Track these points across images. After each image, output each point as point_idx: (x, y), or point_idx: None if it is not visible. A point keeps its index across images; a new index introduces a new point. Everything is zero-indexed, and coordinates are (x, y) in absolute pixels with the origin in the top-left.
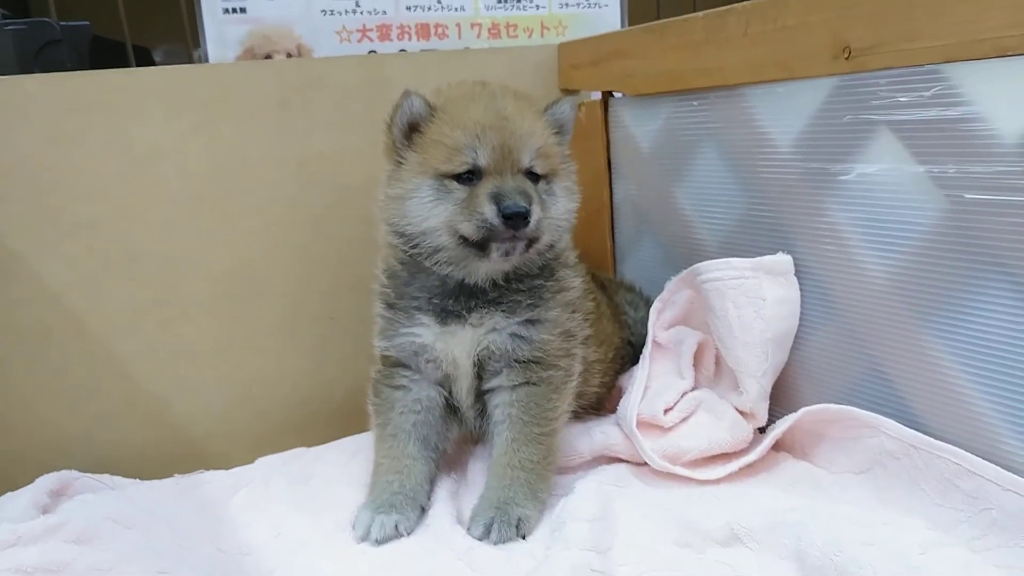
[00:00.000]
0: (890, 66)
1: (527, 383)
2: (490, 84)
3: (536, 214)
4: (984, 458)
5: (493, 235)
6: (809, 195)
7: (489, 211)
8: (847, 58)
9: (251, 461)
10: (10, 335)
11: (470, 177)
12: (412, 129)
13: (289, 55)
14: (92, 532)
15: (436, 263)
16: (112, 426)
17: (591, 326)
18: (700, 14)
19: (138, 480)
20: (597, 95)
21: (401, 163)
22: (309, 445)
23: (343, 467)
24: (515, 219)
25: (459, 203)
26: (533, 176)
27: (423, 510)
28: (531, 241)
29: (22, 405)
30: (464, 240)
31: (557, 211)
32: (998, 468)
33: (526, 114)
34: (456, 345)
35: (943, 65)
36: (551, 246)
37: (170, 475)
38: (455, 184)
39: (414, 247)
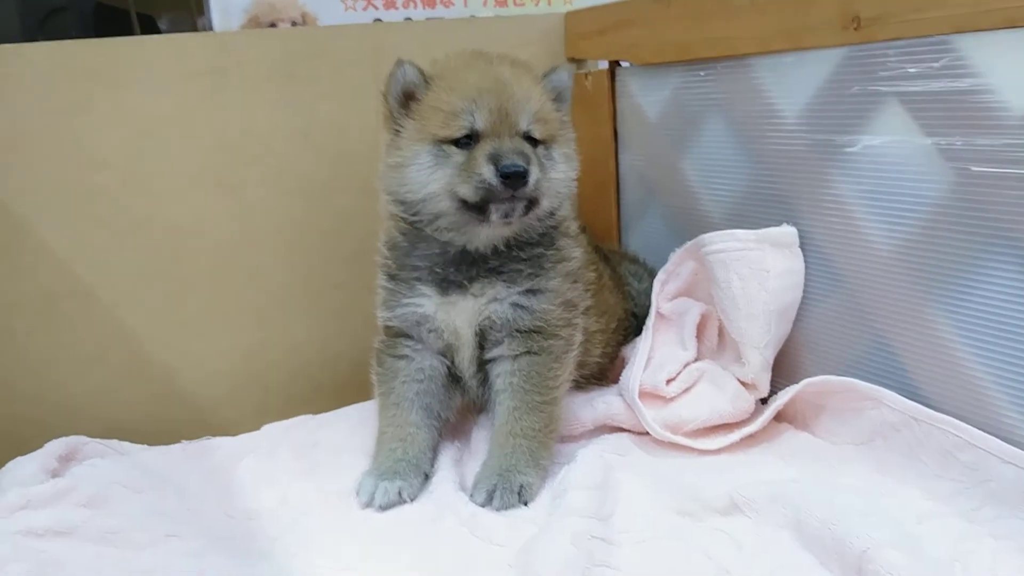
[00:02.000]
0: (899, 36)
1: (528, 352)
2: (487, 52)
3: (534, 174)
4: (985, 431)
5: (492, 195)
6: (815, 167)
7: (487, 171)
8: (856, 28)
9: (257, 428)
10: (18, 303)
11: (468, 141)
12: (408, 98)
13: (294, 23)
14: (102, 496)
15: (437, 230)
16: (119, 394)
17: (592, 296)
18: None
19: (146, 446)
20: (604, 64)
21: (399, 132)
22: (315, 414)
23: (348, 435)
24: (513, 178)
25: (458, 167)
26: (531, 140)
27: (426, 477)
28: (530, 203)
29: (30, 372)
30: (464, 204)
31: (556, 176)
32: (998, 440)
33: (523, 79)
34: (457, 315)
35: (952, 36)
36: (551, 213)
37: (177, 441)
38: (454, 149)
39: (415, 215)
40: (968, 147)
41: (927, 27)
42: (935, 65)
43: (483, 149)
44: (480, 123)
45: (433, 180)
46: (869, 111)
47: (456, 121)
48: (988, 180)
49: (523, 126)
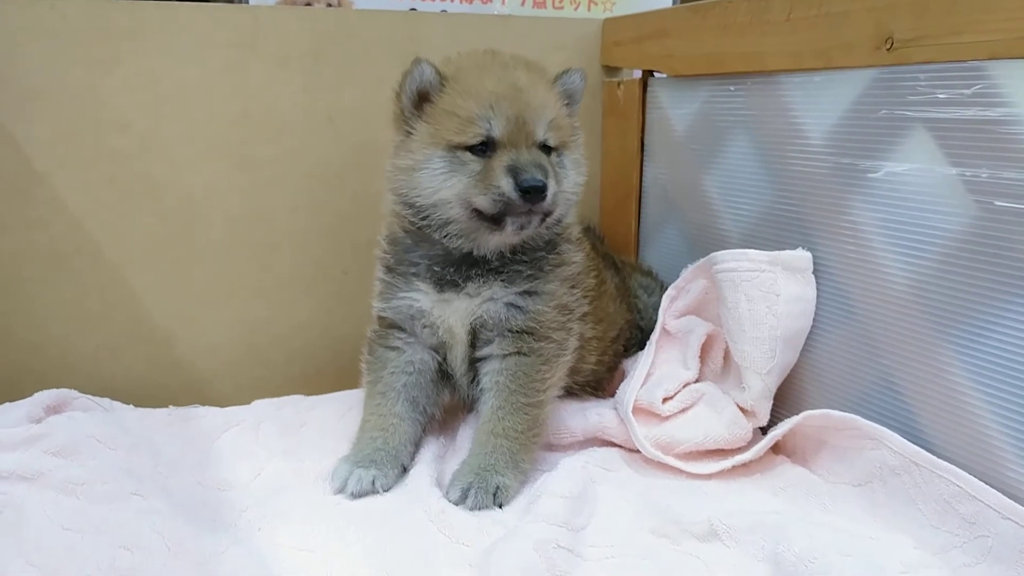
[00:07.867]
0: (932, 60)
1: (518, 353)
2: (500, 53)
3: (552, 188)
4: (987, 482)
5: (510, 209)
6: (836, 191)
7: (507, 185)
8: (889, 49)
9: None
10: (27, 254)
11: (484, 149)
12: (423, 99)
13: (329, 4)
14: (73, 447)
15: (446, 235)
16: (118, 354)
17: (591, 303)
18: None
19: (133, 407)
20: (638, 74)
21: (411, 133)
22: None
23: (336, 419)
24: (533, 193)
25: (474, 176)
26: (546, 148)
27: (404, 470)
28: (545, 215)
29: (33, 323)
30: (478, 214)
31: (568, 184)
32: (1000, 494)
33: (539, 85)
34: (452, 313)
35: (987, 62)
36: (559, 220)
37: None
38: (469, 156)
39: (423, 218)
40: (994, 180)
41: (962, 52)
42: (966, 92)
43: (501, 160)
44: (497, 131)
45: (446, 187)
46: (895, 136)
47: (472, 127)
48: (1013, 216)
49: (539, 136)
